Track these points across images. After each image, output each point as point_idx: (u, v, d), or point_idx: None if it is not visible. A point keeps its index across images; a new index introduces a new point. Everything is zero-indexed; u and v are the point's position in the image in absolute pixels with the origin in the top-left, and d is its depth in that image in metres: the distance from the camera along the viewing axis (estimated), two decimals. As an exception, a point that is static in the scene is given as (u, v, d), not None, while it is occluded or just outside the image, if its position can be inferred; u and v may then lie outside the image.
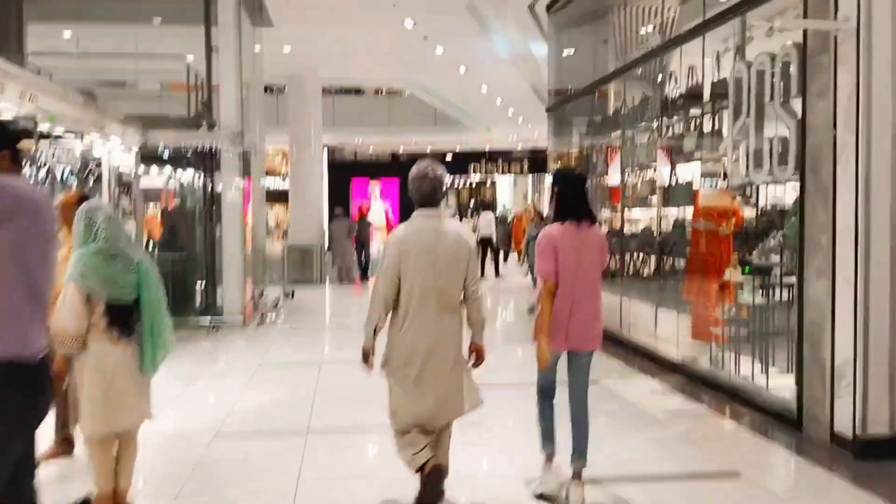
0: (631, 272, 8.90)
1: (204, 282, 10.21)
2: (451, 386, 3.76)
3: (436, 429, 3.83)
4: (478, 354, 3.94)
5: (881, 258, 4.77)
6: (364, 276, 16.44)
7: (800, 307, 5.35)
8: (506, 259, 19.54)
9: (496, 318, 11.67)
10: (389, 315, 3.77)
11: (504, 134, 24.87)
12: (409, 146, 27.22)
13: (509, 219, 20.71)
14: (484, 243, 16.52)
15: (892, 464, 4.70)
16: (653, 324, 7.88)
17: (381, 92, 22.84)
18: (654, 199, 8.36)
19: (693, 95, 7.55)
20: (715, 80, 7.07)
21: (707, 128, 7.40)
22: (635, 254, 8.88)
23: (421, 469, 3.70)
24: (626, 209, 9.06)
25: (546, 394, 4.14)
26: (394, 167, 26.88)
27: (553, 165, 11.50)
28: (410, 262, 3.65)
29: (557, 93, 11.30)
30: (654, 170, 8.35)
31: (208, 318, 9.97)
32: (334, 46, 13.76)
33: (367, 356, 3.80)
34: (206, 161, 10.14)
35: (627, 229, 9.07)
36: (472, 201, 31.02)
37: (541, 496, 4.10)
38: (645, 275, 8.62)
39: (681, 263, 7.48)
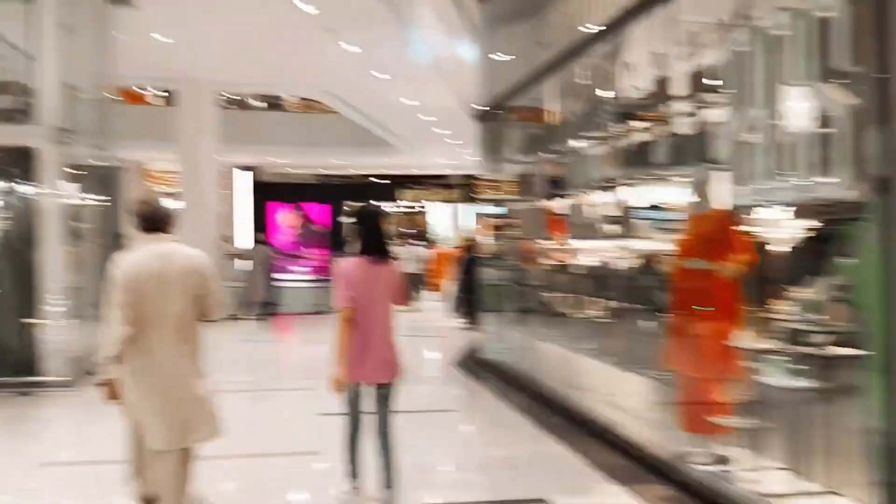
0: (581, 320, 6.89)
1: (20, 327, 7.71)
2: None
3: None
4: None
5: None
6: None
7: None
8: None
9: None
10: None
11: (434, 155, 22.51)
12: (330, 168, 24.42)
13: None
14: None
15: None
16: (617, 393, 5.82)
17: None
18: (613, 228, 6.49)
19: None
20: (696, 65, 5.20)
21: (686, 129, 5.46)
22: (589, 298, 6.84)
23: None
24: (574, 240, 7.34)
25: (351, 426, 4.22)
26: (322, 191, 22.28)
27: (484, 191, 9.76)
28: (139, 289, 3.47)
29: (490, 100, 9.28)
30: (614, 189, 6.45)
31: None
32: (220, 38, 11.34)
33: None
34: (24, 165, 7.74)
35: (576, 267, 7.25)
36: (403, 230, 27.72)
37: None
38: (603, 322, 6.51)
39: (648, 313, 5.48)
